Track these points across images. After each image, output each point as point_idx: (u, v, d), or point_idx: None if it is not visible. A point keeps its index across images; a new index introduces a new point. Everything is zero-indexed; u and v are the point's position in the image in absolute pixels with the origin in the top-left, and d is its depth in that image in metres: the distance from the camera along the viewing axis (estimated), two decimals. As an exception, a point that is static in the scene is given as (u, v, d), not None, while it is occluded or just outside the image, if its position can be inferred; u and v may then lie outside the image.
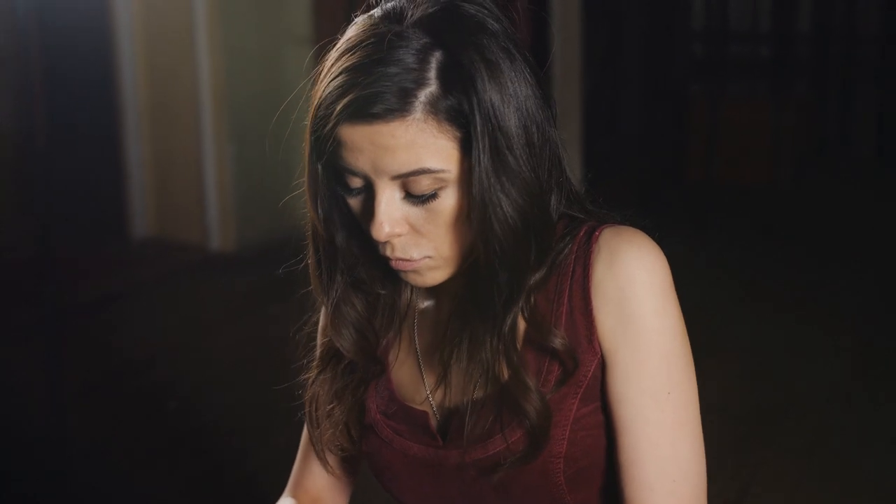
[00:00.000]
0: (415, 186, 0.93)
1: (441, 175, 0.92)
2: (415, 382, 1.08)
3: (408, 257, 0.96)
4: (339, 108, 0.90)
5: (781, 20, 6.83)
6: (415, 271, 0.98)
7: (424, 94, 0.90)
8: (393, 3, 0.95)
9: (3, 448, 3.06)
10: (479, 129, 0.91)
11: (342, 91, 0.90)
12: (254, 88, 4.93)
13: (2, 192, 4.89)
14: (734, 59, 6.79)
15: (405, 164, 0.91)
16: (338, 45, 0.95)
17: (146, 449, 3.06)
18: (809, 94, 7.01)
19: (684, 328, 1.00)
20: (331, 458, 1.17)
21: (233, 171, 4.98)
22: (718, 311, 4.14)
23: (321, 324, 1.13)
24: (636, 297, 0.97)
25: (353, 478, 1.22)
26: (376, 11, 0.96)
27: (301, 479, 1.21)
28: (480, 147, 0.91)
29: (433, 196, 0.93)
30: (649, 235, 1.01)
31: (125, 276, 4.70)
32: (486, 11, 0.95)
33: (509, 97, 0.92)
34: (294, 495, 1.20)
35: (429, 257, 0.97)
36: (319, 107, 0.93)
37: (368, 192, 0.95)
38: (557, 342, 0.98)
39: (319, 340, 1.13)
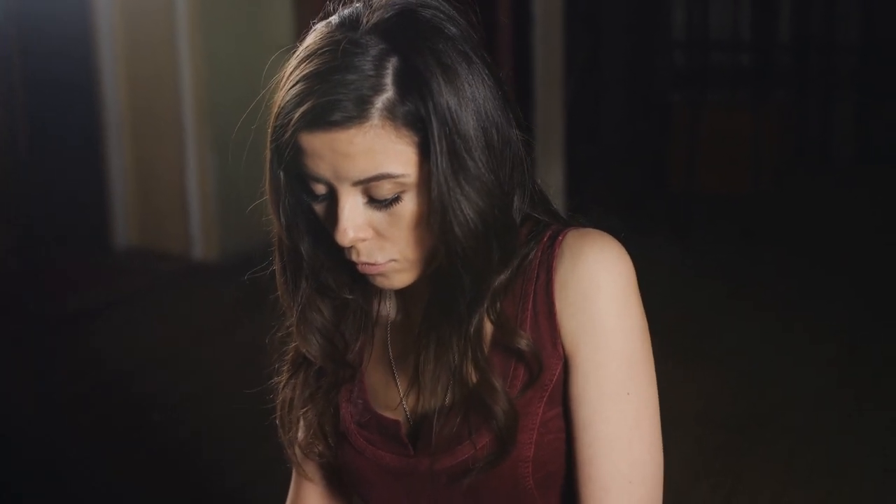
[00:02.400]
0: (376, 191, 0.93)
1: (401, 180, 0.93)
2: (388, 390, 1.09)
3: (373, 261, 0.97)
4: (297, 116, 0.91)
5: (762, 29, 6.87)
6: (381, 274, 0.99)
7: (381, 101, 0.91)
8: (350, 9, 0.96)
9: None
10: (436, 133, 0.91)
11: (300, 99, 0.91)
12: (236, 96, 4.92)
13: (-18, 202, 4.86)
14: (715, 68, 6.82)
15: (365, 170, 0.92)
16: (297, 53, 0.96)
17: (130, 460, 3.05)
18: (790, 101, 7.05)
19: (647, 330, 1.01)
20: (308, 466, 1.17)
21: (215, 180, 4.96)
22: (701, 318, 4.16)
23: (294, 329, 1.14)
24: (598, 298, 0.97)
25: (346, 496, 1.21)
26: (334, 18, 0.96)
27: (296, 500, 1.21)
28: (438, 151, 0.91)
29: (395, 200, 0.94)
30: (615, 236, 1.02)
31: (108, 286, 4.68)
32: (442, 16, 0.95)
33: (467, 100, 0.93)
34: None
35: (394, 260, 0.98)
36: (278, 115, 0.94)
37: (332, 198, 0.96)
38: (523, 343, 0.98)
39: (292, 345, 1.13)
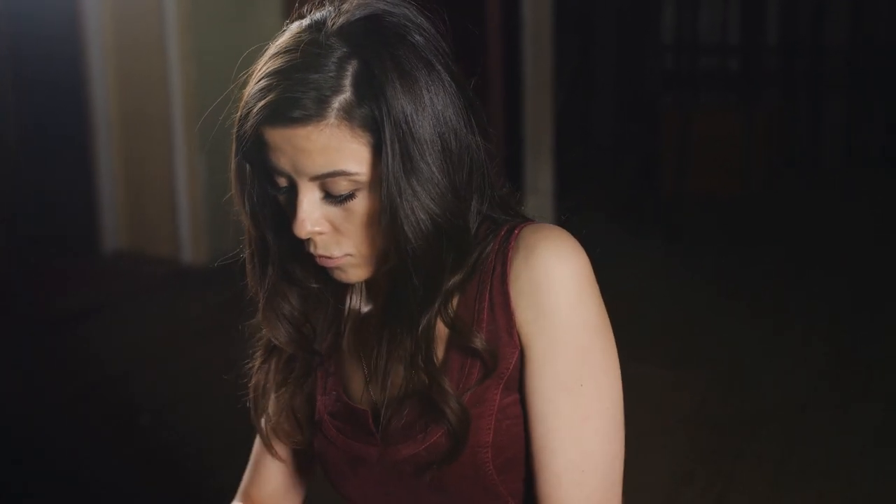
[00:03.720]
0: (333, 187, 0.98)
1: (355, 178, 0.97)
2: (357, 380, 1.12)
3: (329, 254, 1.01)
4: (258, 109, 0.96)
5: (750, 33, 6.89)
6: (338, 268, 1.03)
7: (338, 101, 0.95)
8: (322, 11, 1.00)
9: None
10: (388, 136, 0.95)
11: (263, 94, 0.96)
12: (231, 96, 4.91)
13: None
14: (704, 71, 6.85)
15: (321, 165, 0.96)
16: (267, 50, 1.00)
17: (119, 462, 3.03)
18: (779, 104, 7.07)
19: (605, 322, 1.03)
20: (280, 449, 1.20)
21: (205, 183, 4.95)
22: (692, 320, 4.17)
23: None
24: (551, 289, 0.99)
25: (304, 486, 1.26)
26: (305, 20, 1.01)
27: (250, 489, 1.24)
28: (389, 153, 0.95)
29: (350, 197, 0.98)
30: (574, 233, 1.04)
31: (97, 290, 4.66)
32: (408, 23, 0.99)
33: (424, 106, 0.96)
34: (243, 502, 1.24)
35: (349, 255, 1.02)
36: (243, 107, 0.99)
37: (293, 191, 1.00)
38: (477, 342, 1.01)
39: (265, 331, 1.16)
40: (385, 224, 0.97)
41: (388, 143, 0.95)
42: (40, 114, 4.91)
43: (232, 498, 1.27)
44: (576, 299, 1.00)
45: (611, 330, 1.03)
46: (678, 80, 6.76)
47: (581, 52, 6.47)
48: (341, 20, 0.98)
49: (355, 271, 1.03)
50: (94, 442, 3.17)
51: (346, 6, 0.99)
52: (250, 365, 1.18)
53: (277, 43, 1.00)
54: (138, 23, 4.95)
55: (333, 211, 0.99)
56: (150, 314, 4.41)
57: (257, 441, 1.23)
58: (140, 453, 3.07)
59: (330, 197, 0.99)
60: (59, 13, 4.94)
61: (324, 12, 1.00)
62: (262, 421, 1.16)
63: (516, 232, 1.03)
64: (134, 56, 5.01)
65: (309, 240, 1.01)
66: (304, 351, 1.12)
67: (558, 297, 0.99)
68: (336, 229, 1.00)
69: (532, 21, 5.43)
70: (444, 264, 1.00)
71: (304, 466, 1.26)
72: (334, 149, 0.95)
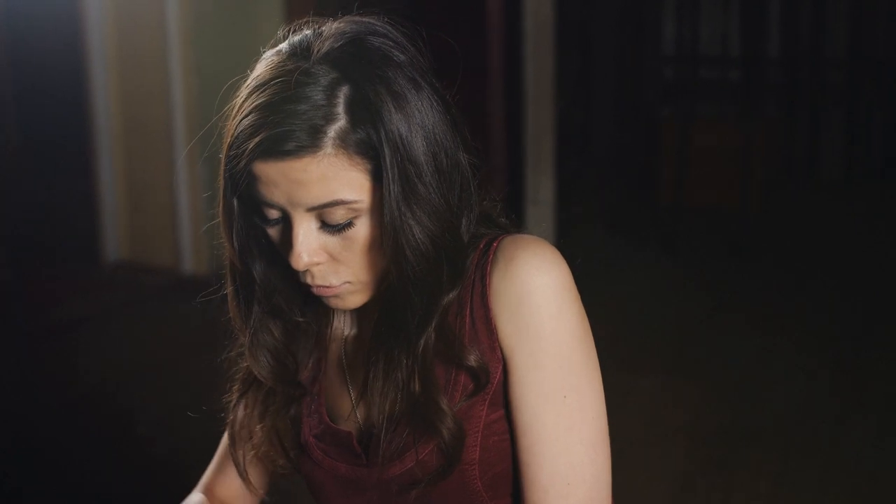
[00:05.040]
0: (330, 216, 0.96)
1: (354, 205, 0.95)
2: (342, 402, 1.11)
3: (327, 284, 1.00)
4: (251, 146, 0.93)
5: (750, 44, 6.91)
6: (336, 296, 1.01)
7: (334, 130, 0.93)
8: (300, 37, 0.98)
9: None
10: (388, 160, 0.93)
11: (253, 130, 0.93)
12: (220, 119, 4.92)
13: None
14: (704, 83, 6.86)
15: (319, 196, 0.94)
16: (247, 83, 0.97)
17: (115, 472, 3.04)
18: (778, 116, 7.08)
19: (587, 334, 1.02)
20: (253, 474, 1.20)
21: (205, 193, 4.96)
22: (690, 331, 4.17)
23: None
24: (532, 301, 0.99)
25: (264, 491, 1.24)
26: (284, 47, 0.98)
27: (213, 484, 1.24)
28: (390, 178, 0.93)
29: (348, 225, 0.97)
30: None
31: (97, 299, 4.67)
32: (391, 43, 0.97)
33: (416, 127, 0.95)
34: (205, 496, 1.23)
35: (348, 282, 1.00)
36: (232, 145, 0.96)
37: (286, 222, 0.98)
38: (471, 359, 1.00)
39: (244, 365, 1.15)
40: (388, 249, 0.96)
41: (388, 167, 0.93)
42: (42, 124, 4.93)
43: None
44: (556, 310, 0.99)
45: (592, 339, 1.02)
46: (678, 92, 6.77)
47: (581, 64, 6.49)
48: (326, 46, 0.95)
49: (353, 298, 1.02)
50: (91, 451, 3.18)
51: (326, 31, 0.97)
52: (227, 398, 1.17)
53: (258, 74, 0.97)
54: (140, 34, 4.97)
55: (331, 240, 0.98)
56: (151, 324, 4.42)
57: (225, 437, 1.21)
58: (138, 463, 3.08)
59: (327, 226, 0.97)
60: (62, 24, 4.96)
61: (304, 38, 0.98)
62: (240, 455, 1.15)
63: (494, 245, 1.02)
64: (135, 67, 5.02)
65: (305, 272, 0.99)
66: (285, 384, 1.10)
67: (539, 308, 0.98)
68: (334, 258, 0.98)
69: (533, 33, 5.44)
70: (441, 281, 0.99)
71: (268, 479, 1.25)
72: (332, 178, 0.94)
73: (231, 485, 1.23)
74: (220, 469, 1.24)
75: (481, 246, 1.03)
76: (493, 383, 1.01)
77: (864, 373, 3.77)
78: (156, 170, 5.07)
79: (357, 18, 1.00)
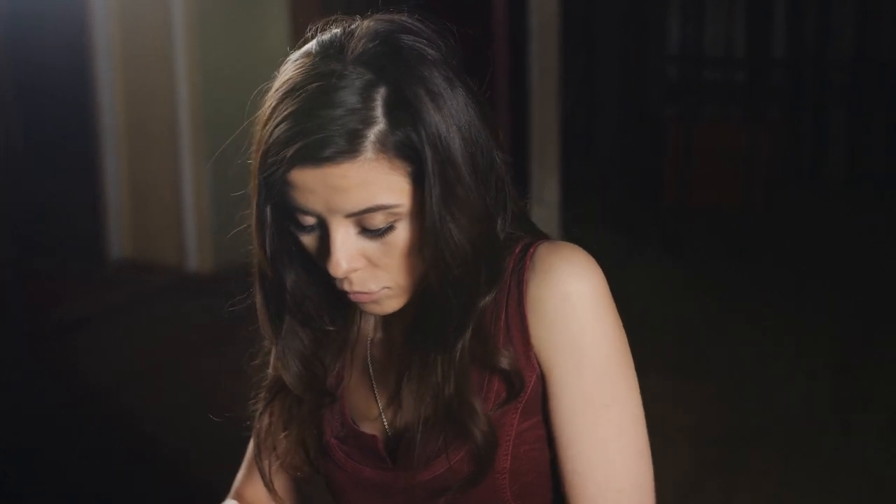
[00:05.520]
0: (369, 222, 0.93)
1: (395, 210, 0.92)
2: (368, 406, 1.09)
3: (367, 290, 0.97)
4: (288, 154, 0.90)
5: (755, 45, 6.90)
6: (374, 302, 0.99)
7: (373, 133, 0.90)
8: (329, 37, 0.94)
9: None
10: (429, 162, 0.91)
11: (289, 137, 0.90)
12: (231, 109, 4.93)
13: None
14: (709, 84, 6.85)
15: (359, 202, 0.91)
16: (277, 87, 0.94)
17: (120, 471, 3.04)
18: (783, 118, 7.08)
19: (624, 341, 1.01)
20: (278, 483, 1.18)
21: (210, 192, 4.97)
22: (693, 332, 4.17)
23: (272, 357, 1.13)
24: (572, 312, 0.97)
25: (290, 500, 1.22)
26: (313, 47, 0.95)
27: (243, 490, 1.23)
28: (432, 181, 0.91)
29: (388, 229, 0.94)
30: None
31: (101, 298, 4.67)
32: (424, 41, 0.94)
33: (454, 126, 0.92)
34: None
35: (387, 287, 0.97)
36: (267, 153, 0.92)
37: (322, 229, 0.95)
38: (504, 362, 0.98)
39: (270, 373, 1.13)
40: (428, 253, 0.93)
41: (430, 169, 0.91)
42: (46, 123, 4.94)
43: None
44: (596, 319, 0.98)
45: (628, 345, 1.01)
46: (682, 93, 6.77)
47: (587, 65, 6.49)
48: (360, 46, 0.92)
49: (391, 302, 0.99)
50: (93, 450, 3.18)
51: (358, 30, 0.94)
52: (253, 408, 1.14)
53: (289, 77, 0.93)
54: (145, 33, 4.98)
55: (370, 245, 0.95)
56: (155, 322, 4.42)
57: (252, 442, 1.19)
58: (143, 461, 3.08)
59: (366, 232, 0.94)
60: (66, 23, 4.96)
61: (332, 38, 0.94)
62: (266, 464, 1.13)
63: (531, 251, 1.00)
64: (140, 66, 5.03)
65: (343, 279, 0.96)
66: (314, 392, 1.08)
67: (579, 319, 0.97)
68: (372, 263, 0.96)
69: (538, 33, 5.45)
70: (480, 283, 0.97)
71: (298, 484, 1.23)
72: (372, 183, 0.91)
73: (260, 491, 1.21)
74: (248, 475, 1.23)
75: (517, 251, 1.01)
76: (526, 391, 1.00)
77: (868, 373, 3.77)
78: (160, 168, 5.08)
79: (387, 17, 0.97)
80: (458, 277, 0.95)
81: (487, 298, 0.98)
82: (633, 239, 5.48)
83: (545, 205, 5.24)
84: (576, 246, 1.01)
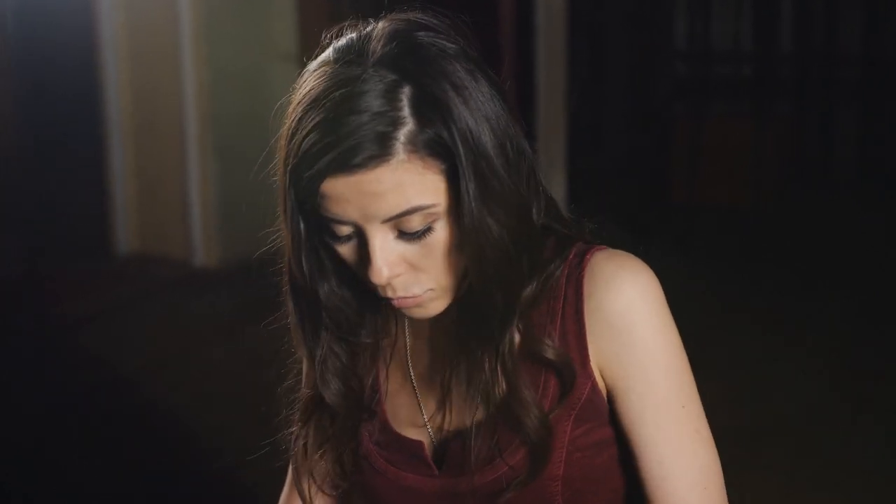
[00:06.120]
0: (407, 225, 0.91)
1: (432, 210, 0.91)
2: (411, 412, 1.07)
3: (410, 294, 0.95)
4: (318, 166, 0.88)
5: (764, 40, 6.88)
6: (418, 306, 0.97)
7: (402, 134, 0.88)
8: (346, 42, 0.93)
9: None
10: (463, 157, 0.89)
11: (318, 149, 0.88)
12: (238, 105, 4.94)
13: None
14: (717, 79, 6.83)
15: (395, 206, 0.90)
16: (300, 100, 0.92)
17: (128, 464, 3.05)
18: (791, 114, 7.06)
19: (680, 341, 1.02)
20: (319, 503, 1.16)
21: (217, 187, 4.97)
22: (699, 331, 4.14)
23: (304, 377, 1.11)
24: (637, 322, 0.98)
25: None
26: (330, 54, 0.93)
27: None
28: (467, 176, 0.90)
29: (427, 230, 0.92)
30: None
31: (108, 292, 4.68)
32: (441, 36, 0.93)
33: (481, 119, 0.91)
34: None
35: (431, 290, 0.96)
36: (297, 167, 0.90)
37: (359, 237, 0.93)
38: (550, 352, 0.98)
39: (303, 393, 1.11)
40: (468, 250, 0.92)
41: (464, 165, 0.89)
42: (54, 119, 4.94)
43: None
44: (661, 325, 0.99)
45: (682, 343, 1.03)
46: (690, 88, 6.75)
47: (593, 60, 6.48)
48: (379, 49, 0.90)
49: (435, 304, 0.98)
50: (102, 445, 3.19)
51: (374, 32, 0.93)
52: (291, 431, 1.11)
53: (310, 89, 0.91)
54: (152, 28, 4.98)
55: (409, 249, 0.93)
56: (162, 316, 4.43)
57: (291, 466, 1.16)
58: (151, 454, 3.09)
59: (405, 235, 0.92)
60: (73, 19, 4.97)
61: (349, 43, 0.93)
62: (306, 487, 1.10)
63: (588, 257, 1.00)
64: (147, 61, 5.04)
65: (385, 286, 0.94)
66: (354, 406, 1.06)
67: (646, 327, 0.98)
68: (414, 267, 0.94)
69: (545, 29, 5.44)
70: (523, 274, 0.97)
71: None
72: (408, 185, 0.89)
73: None
74: (291, 497, 1.20)
75: (570, 256, 1.01)
76: (581, 399, 0.99)
77: (876, 372, 3.76)
78: (167, 163, 5.09)
79: (401, 16, 0.96)
80: (500, 272, 0.94)
81: (530, 290, 0.98)
82: (641, 236, 5.47)
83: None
84: (633, 256, 1.01)
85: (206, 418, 3.31)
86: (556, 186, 5.32)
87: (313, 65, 0.95)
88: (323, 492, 1.13)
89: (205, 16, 4.86)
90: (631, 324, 0.98)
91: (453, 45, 0.93)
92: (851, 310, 4.44)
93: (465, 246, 0.92)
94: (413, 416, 1.07)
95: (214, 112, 4.92)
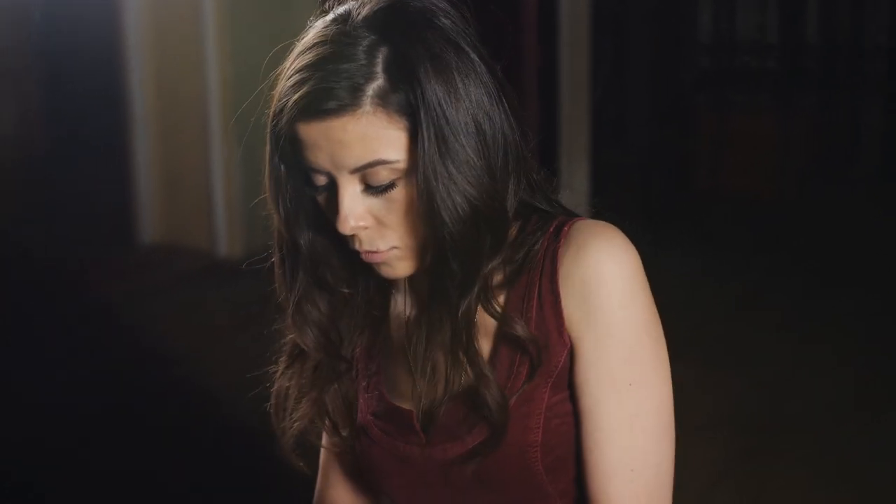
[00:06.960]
0: (373, 178, 0.96)
1: (395, 165, 0.95)
2: (405, 381, 1.10)
3: (375, 249, 0.99)
4: (291, 105, 0.95)
5: (789, 32, 6.83)
6: (385, 263, 1.01)
7: (372, 88, 0.94)
8: (345, 6, 1.00)
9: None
10: (423, 119, 0.94)
11: (295, 89, 0.95)
12: (261, 96, 4.95)
13: (10, 198, 4.91)
14: (741, 71, 6.79)
15: (360, 156, 0.95)
16: (294, 49, 1.00)
17: (144, 454, 3.07)
18: (816, 105, 7.00)
19: (656, 324, 1.01)
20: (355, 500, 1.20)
21: (240, 177, 4.99)
22: (723, 321, 4.14)
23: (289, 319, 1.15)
24: (602, 287, 0.98)
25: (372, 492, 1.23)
26: (329, 15, 1.00)
27: (323, 498, 1.25)
28: (425, 137, 0.94)
29: (390, 186, 0.97)
30: (619, 228, 1.03)
31: (132, 282, 4.71)
32: (434, 8, 0.98)
33: (456, 89, 0.95)
34: None
35: (395, 248, 1.00)
36: (276, 106, 0.99)
37: (333, 188, 0.98)
38: (518, 329, 1.00)
39: (289, 339, 1.15)
40: (422, 211, 0.96)
41: (423, 126, 0.94)
42: (78, 109, 4.97)
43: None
44: (626, 298, 0.99)
45: (661, 329, 1.02)
46: (714, 80, 6.71)
47: (617, 52, 6.45)
48: (366, 10, 0.97)
49: (402, 264, 1.02)
50: (119, 435, 3.21)
51: None
52: (274, 370, 1.17)
53: (304, 40, 0.99)
54: (176, 20, 5.00)
55: (375, 203, 0.98)
56: (185, 307, 4.45)
57: (323, 454, 1.22)
58: (168, 445, 3.10)
59: (371, 189, 0.97)
60: (98, 9, 4.99)
61: (347, 6, 0.99)
62: (283, 428, 1.15)
63: (566, 229, 1.02)
64: (171, 51, 5.05)
65: (353, 237, 0.99)
66: (331, 356, 1.11)
67: (609, 295, 0.98)
68: (379, 222, 0.99)
69: (568, 21, 5.42)
70: (482, 247, 0.98)
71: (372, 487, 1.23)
72: (372, 137, 0.94)
73: (340, 497, 1.24)
74: (325, 480, 1.25)
75: (551, 229, 1.03)
76: (557, 366, 1.01)
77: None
78: (191, 153, 5.10)
79: None
80: (455, 237, 0.96)
81: (493, 264, 1.00)
82: (665, 227, 5.45)
83: (575, 194, 5.23)
84: (612, 225, 1.02)
85: (229, 409, 3.32)
86: (580, 179, 5.31)
87: (316, 21, 1.02)
88: (356, 480, 1.17)
89: (228, 9, 4.87)
90: (595, 289, 0.99)
91: (444, 20, 0.98)
92: (871, 306, 4.41)
93: (419, 206, 0.96)
94: (407, 386, 1.10)
95: (238, 103, 4.93)
